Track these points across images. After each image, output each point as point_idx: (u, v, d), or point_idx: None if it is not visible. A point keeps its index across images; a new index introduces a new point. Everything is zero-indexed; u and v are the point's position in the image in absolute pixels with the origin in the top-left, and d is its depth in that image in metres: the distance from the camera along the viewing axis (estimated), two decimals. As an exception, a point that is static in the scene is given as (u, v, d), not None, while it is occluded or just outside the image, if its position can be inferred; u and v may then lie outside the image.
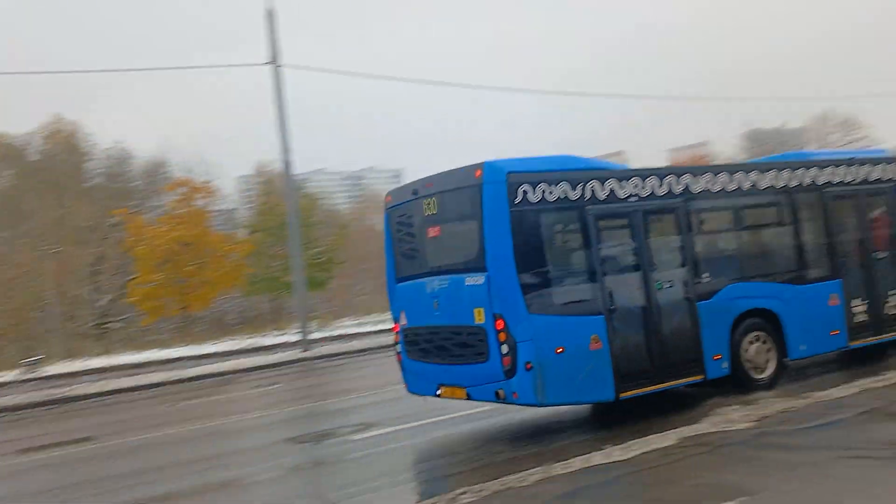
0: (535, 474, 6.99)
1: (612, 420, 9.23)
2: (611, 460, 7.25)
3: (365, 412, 12.11)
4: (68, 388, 18.78)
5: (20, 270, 38.30)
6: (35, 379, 22.75)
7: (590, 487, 6.67)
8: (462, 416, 10.51)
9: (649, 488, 6.58)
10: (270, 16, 22.22)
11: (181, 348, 27.09)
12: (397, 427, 10.33)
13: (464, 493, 6.65)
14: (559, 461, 7.34)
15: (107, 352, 29.86)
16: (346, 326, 30.42)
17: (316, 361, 20.85)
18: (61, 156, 53.59)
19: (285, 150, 22.62)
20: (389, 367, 18.02)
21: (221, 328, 39.53)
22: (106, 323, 43.01)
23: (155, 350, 27.72)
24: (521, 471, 7.13)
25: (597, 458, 7.35)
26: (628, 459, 7.25)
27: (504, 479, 6.92)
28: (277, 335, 29.13)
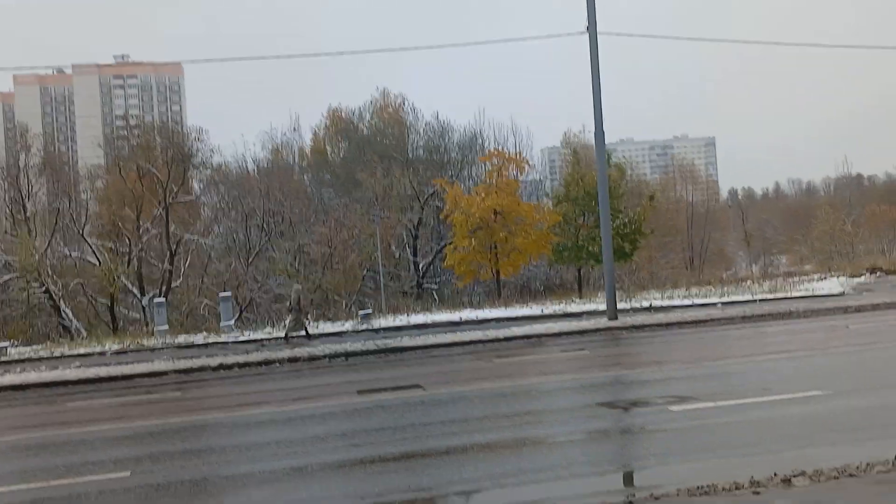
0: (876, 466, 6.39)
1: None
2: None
3: (677, 385, 11.85)
4: (395, 340, 20.58)
5: (353, 233, 42.73)
6: (366, 330, 25.32)
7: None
8: (785, 399, 9.92)
9: None
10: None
11: (492, 310, 28.43)
12: (716, 403, 10.00)
13: (799, 474, 6.26)
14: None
15: (425, 309, 32.20)
16: (652, 298, 29.85)
17: (623, 331, 20.75)
18: (388, 129, 58.64)
19: (599, 119, 22.54)
20: (702, 342, 17.57)
21: (528, 294, 40.91)
22: (424, 284, 46.58)
23: (468, 310, 29.38)
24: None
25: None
26: None
27: (844, 465, 6.40)
28: (581, 304, 29.42)
